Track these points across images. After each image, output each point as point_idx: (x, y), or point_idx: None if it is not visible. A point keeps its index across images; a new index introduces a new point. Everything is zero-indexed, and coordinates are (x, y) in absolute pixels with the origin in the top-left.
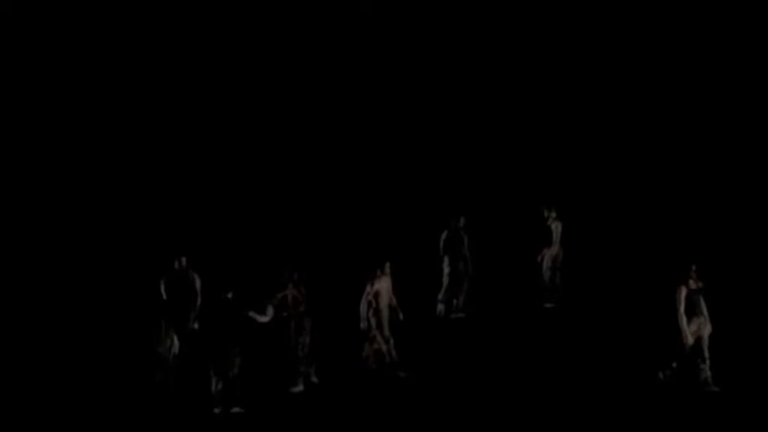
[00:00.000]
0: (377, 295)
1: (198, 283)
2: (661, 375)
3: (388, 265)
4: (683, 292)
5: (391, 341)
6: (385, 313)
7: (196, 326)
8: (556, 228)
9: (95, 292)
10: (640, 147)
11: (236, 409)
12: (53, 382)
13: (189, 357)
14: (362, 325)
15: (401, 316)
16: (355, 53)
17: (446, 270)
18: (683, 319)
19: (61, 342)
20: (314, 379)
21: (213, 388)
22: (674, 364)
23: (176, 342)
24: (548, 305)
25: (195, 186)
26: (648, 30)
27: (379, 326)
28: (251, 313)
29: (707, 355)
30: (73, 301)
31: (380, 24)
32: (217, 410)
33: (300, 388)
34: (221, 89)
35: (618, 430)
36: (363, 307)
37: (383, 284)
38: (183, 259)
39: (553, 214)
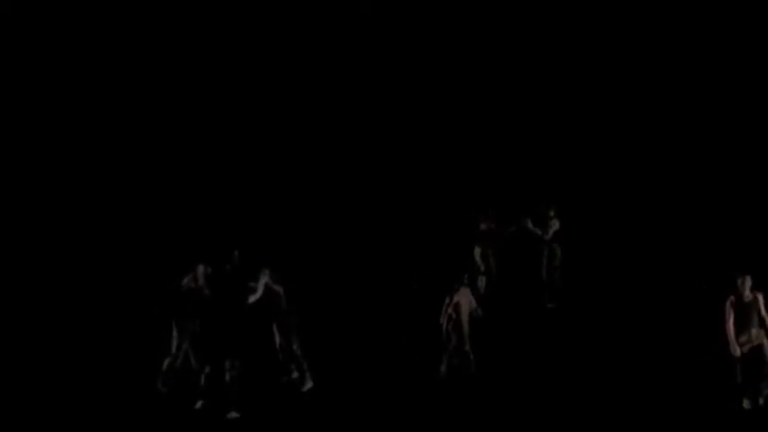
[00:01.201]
0: (457, 307)
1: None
2: (745, 404)
3: (466, 276)
4: (733, 302)
5: (471, 355)
6: (466, 327)
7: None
8: (553, 226)
9: (103, 297)
10: (642, 145)
11: (233, 414)
12: (56, 384)
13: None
14: (444, 337)
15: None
16: (355, 53)
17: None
18: (731, 331)
19: (65, 345)
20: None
21: (201, 383)
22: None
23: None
24: (548, 305)
25: (197, 189)
26: (648, 28)
27: (460, 339)
28: (250, 299)
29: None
30: (79, 305)
31: (380, 24)
32: (197, 405)
33: (310, 384)
34: (221, 89)
35: (618, 430)
36: (444, 319)
37: (463, 297)
38: (209, 268)
39: (551, 213)
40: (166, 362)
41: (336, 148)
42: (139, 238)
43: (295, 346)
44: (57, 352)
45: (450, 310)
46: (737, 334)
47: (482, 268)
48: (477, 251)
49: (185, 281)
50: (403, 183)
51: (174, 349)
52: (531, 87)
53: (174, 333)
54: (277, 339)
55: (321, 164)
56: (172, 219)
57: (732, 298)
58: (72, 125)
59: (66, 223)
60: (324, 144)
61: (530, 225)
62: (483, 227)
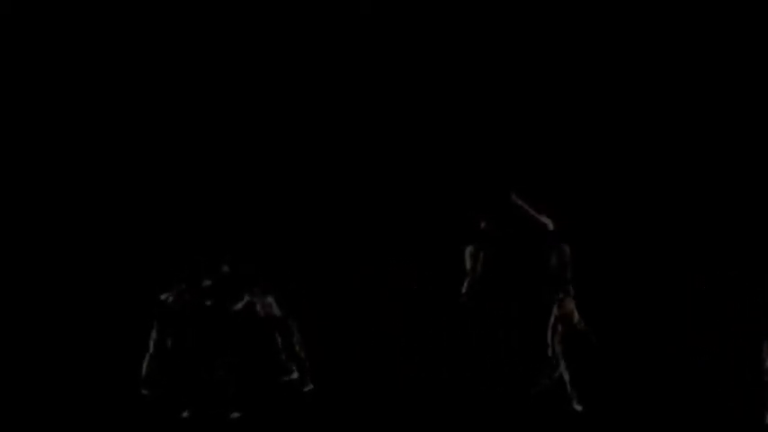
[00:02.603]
0: (564, 319)
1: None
2: None
3: (570, 286)
4: None
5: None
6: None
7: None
8: (548, 224)
9: (97, 296)
10: (645, 142)
11: (233, 414)
12: (51, 383)
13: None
14: (549, 352)
15: (594, 340)
16: (355, 53)
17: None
18: None
19: (60, 344)
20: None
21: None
22: None
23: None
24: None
25: (193, 187)
26: (649, 27)
27: (564, 353)
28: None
29: None
30: (73, 304)
31: (380, 24)
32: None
33: (311, 385)
34: (221, 89)
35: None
36: (550, 333)
37: (568, 307)
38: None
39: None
40: (145, 362)
41: (335, 148)
42: (132, 237)
43: (297, 347)
44: (47, 357)
45: (557, 323)
46: None
47: (469, 269)
48: (469, 250)
49: (171, 293)
50: (403, 182)
51: (152, 348)
52: (532, 86)
53: (154, 334)
54: (278, 340)
55: (320, 163)
56: (166, 217)
57: None
58: (55, 130)
59: (49, 226)
60: (323, 143)
61: (517, 200)
62: (482, 226)
